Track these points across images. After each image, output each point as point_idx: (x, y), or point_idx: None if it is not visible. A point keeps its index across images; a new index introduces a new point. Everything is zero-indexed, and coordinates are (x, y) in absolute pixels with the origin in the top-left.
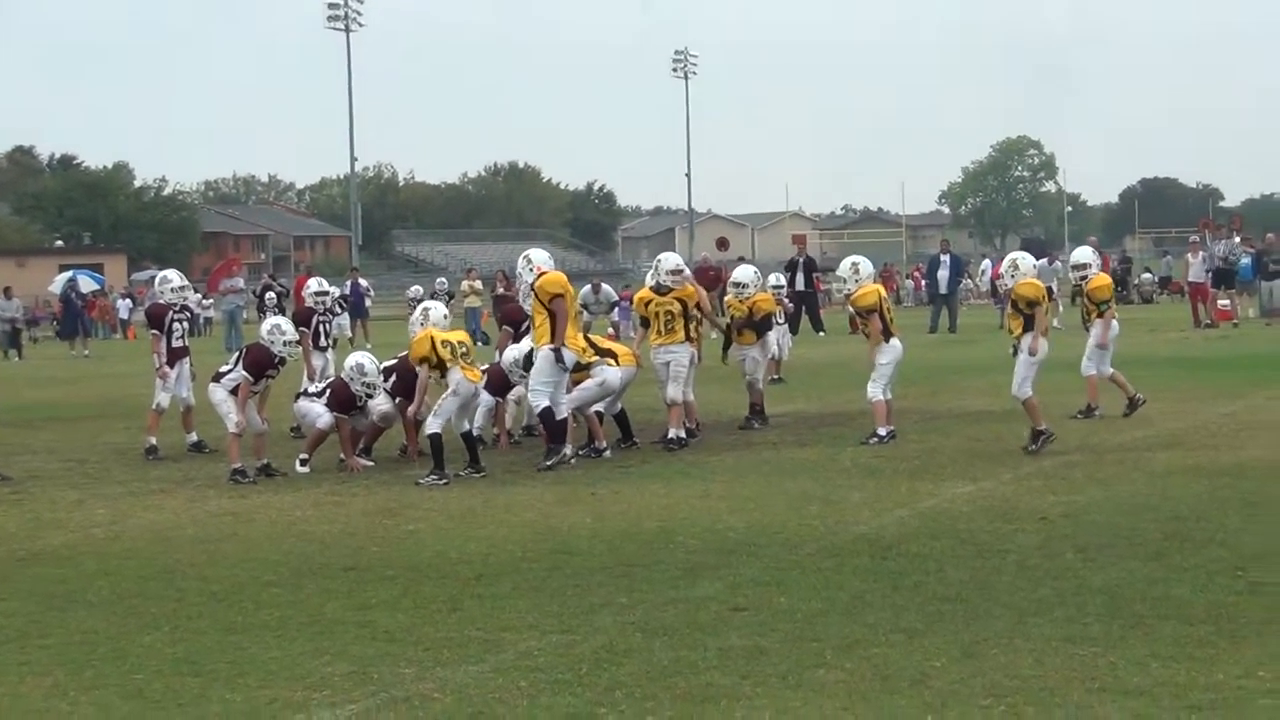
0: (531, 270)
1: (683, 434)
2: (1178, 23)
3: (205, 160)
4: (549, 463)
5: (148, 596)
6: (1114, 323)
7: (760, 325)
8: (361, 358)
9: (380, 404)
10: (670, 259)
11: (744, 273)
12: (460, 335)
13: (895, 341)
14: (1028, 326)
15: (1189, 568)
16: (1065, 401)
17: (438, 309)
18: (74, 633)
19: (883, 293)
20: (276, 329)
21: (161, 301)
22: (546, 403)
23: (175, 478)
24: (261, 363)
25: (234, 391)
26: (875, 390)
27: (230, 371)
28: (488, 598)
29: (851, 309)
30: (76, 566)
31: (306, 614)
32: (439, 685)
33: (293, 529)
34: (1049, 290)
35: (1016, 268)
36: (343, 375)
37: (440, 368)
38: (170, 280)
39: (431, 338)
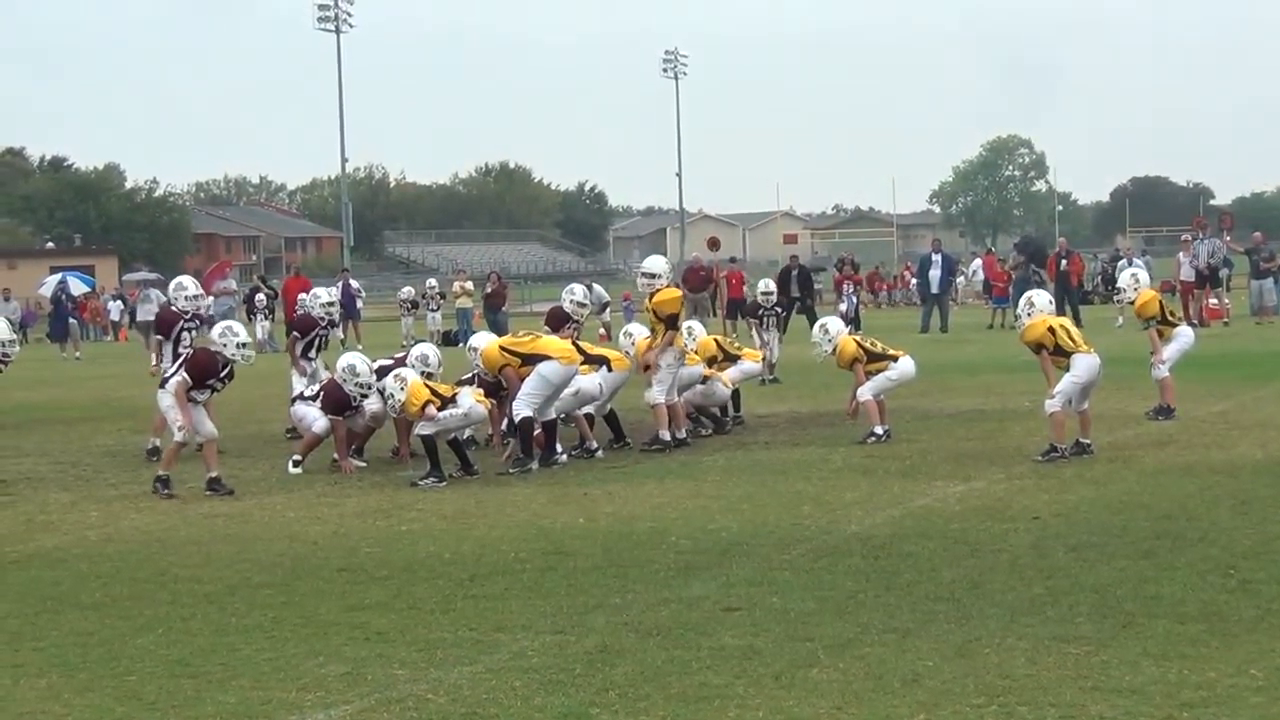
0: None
1: (667, 435)
2: (1168, 22)
3: (196, 161)
4: (511, 470)
5: (141, 598)
6: (1181, 331)
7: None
8: (354, 359)
9: (372, 404)
10: (646, 262)
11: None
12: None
13: (906, 360)
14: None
15: (1180, 566)
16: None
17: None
18: (67, 635)
19: (858, 340)
20: (229, 331)
21: (175, 309)
22: (529, 413)
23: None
24: (206, 368)
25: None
26: (865, 391)
27: (172, 377)
28: (481, 598)
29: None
30: (69, 569)
31: (300, 615)
32: (433, 686)
33: (285, 530)
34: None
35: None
36: (335, 377)
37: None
38: (185, 288)
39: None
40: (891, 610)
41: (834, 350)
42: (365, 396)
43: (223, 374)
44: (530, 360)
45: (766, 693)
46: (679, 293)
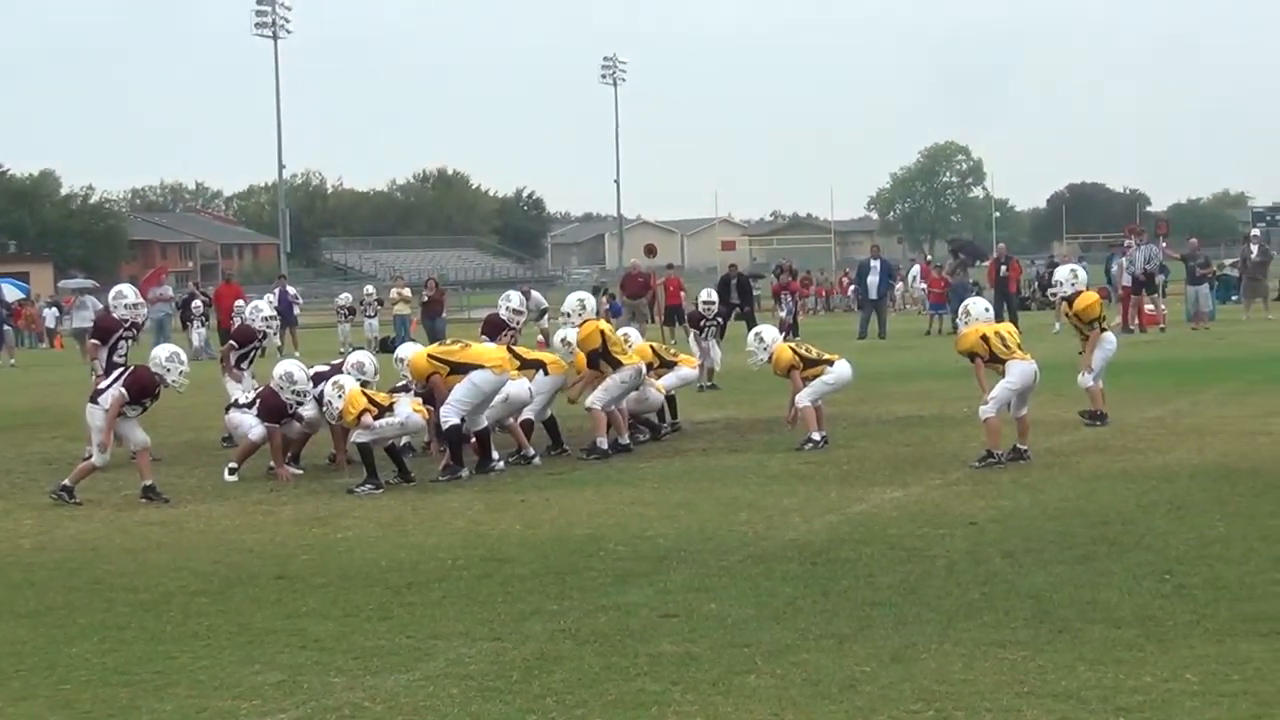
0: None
1: (605, 444)
2: (1105, 30)
3: (132, 168)
4: (442, 478)
5: (76, 607)
6: (1108, 336)
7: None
8: (290, 366)
9: (308, 411)
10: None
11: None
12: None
13: (843, 364)
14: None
15: (1116, 571)
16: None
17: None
18: (1, 644)
19: (793, 347)
20: (175, 358)
21: (114, 316)
22: (456, 420)
23: (103, 488)
24: (145, 387)
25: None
26: (803, 397)
27: (108, 389)
28: (418, 605)
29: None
30: (3, 577)
31: (236, 623)
32: (369, 694)
33: (222, 538)
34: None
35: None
36: (272, 384)
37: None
38: (125, 296)
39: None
40: (829, 616)
41: (770, 358)
42: (302, 404)
43: (156, 393)
44: (460, 369)
45: (704, 699)
46: (596, 325)
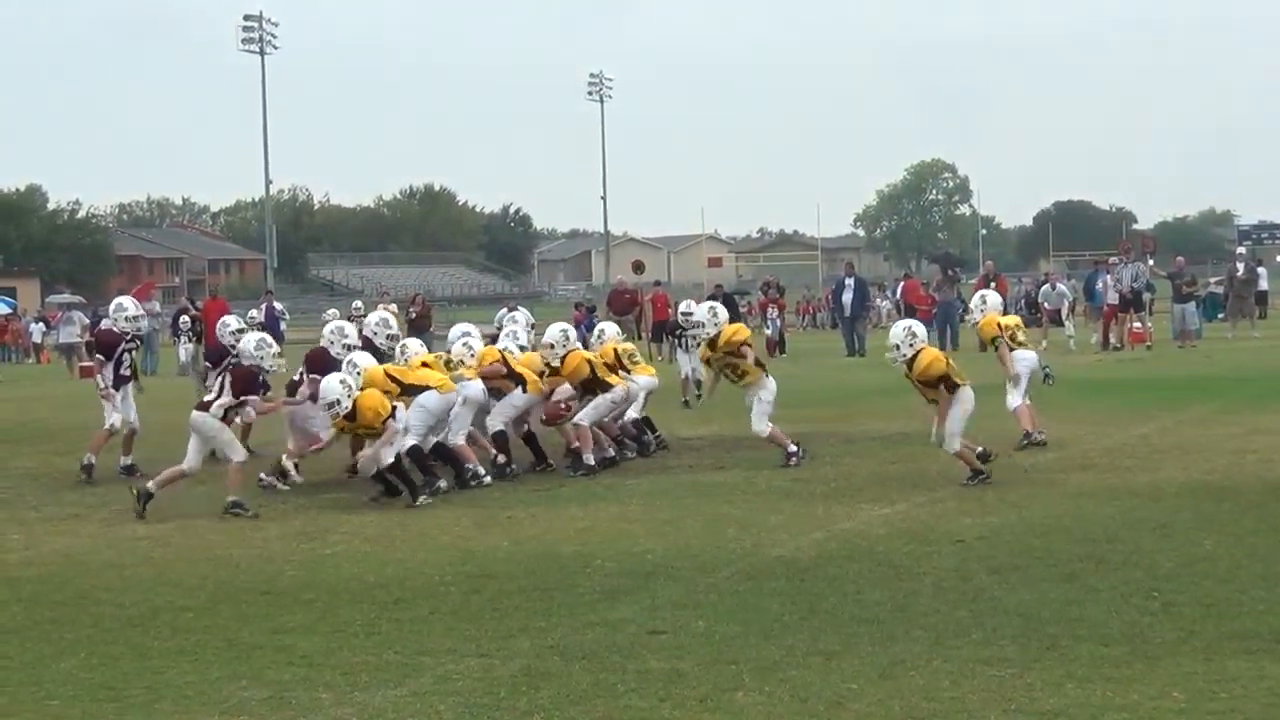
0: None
1: (592, 460)
2: (1091, 48)
3: (119, 183)
4: (427, 493)
5: (63, 622)
6: (1017, 354)
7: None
8: (343, 324)
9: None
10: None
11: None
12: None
13: (771, 380)
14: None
15: (1103, 589)
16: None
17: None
18: None
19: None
20: (263, 344)
21: (116, 329)
22: (415, 441)
23: (90, 502)
24: (250, 383)
25: (225, 419)
26: (761, 425)
27: (220, 398)
28: (405, 621)
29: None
30: None
31: (223, 638)
32: (357, 709)
33: (208, 553)
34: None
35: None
36: (323, 342)
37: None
38: (125, 309)
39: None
40: (816, 633)
41: (726, 332)
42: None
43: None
44: (410, 390)
45: (692, 716)
46: (580, 356)
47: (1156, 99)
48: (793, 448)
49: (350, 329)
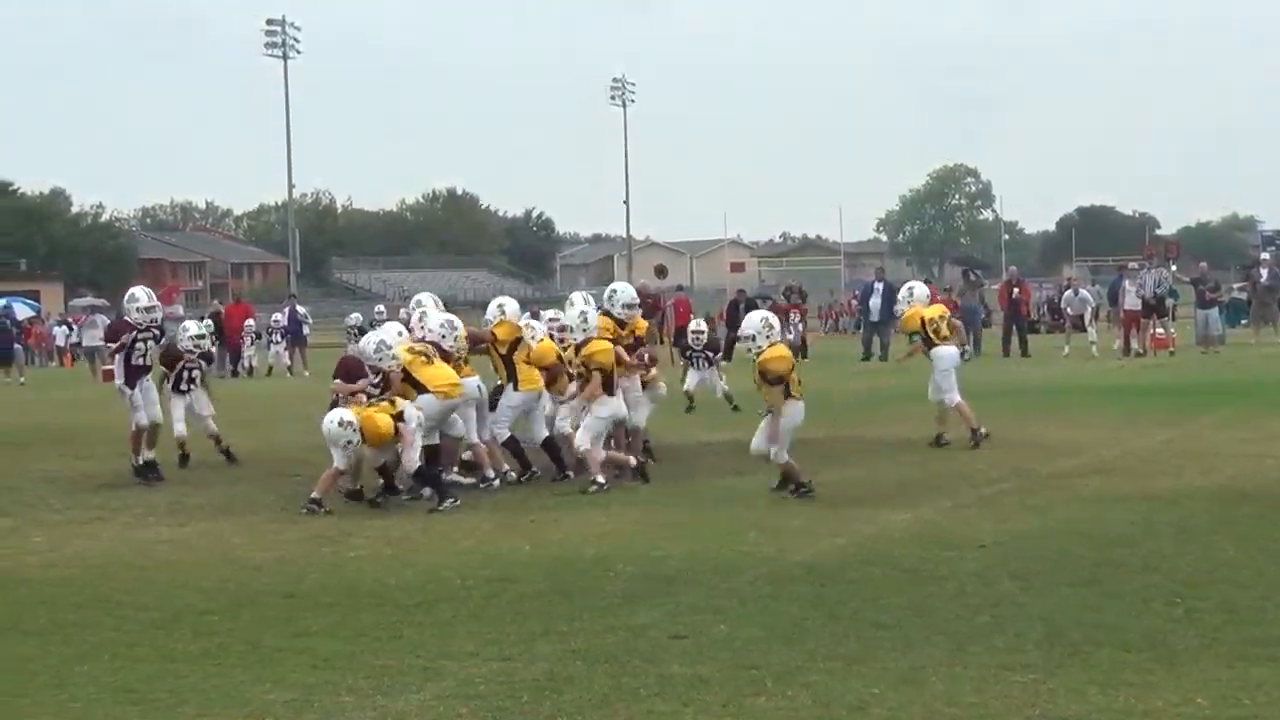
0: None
1: (602, 479)
2: (1113, 52)
3: (143, 187)
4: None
5: (85, 625)
6: (938, 351)
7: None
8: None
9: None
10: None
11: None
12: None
13: (799, 404)
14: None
15: (1125, 594)
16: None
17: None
18: (10, 661)
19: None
20: (382, 346)
21: (128, 319)
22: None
23: (113, 505)
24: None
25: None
26: (759, 443)
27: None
28: (427, 625)
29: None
30: (12, 595)
31: (245, 641)
32: (380, 713)
33: (230, 556)
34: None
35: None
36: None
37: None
38: (138, 299)
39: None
40: (838, 638)
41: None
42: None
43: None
44: (414, 384)
45: None
46: (607, 345)
47: (1180, 103)
48: (802, 478)
49: (393, 340)
